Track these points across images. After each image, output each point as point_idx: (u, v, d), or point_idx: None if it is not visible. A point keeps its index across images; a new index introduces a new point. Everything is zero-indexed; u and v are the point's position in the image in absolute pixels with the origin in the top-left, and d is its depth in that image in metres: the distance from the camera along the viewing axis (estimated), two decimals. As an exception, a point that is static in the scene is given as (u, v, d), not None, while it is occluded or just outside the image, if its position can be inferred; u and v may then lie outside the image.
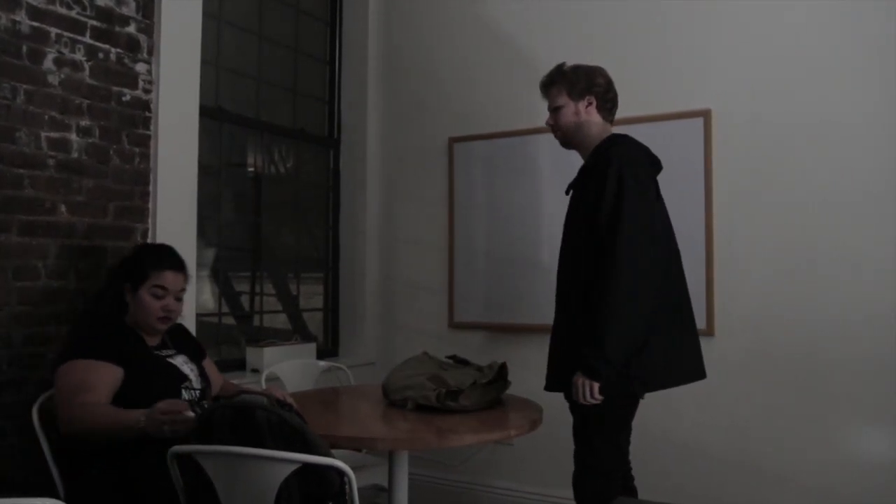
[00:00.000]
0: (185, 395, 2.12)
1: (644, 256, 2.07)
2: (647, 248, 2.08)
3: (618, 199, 2.08)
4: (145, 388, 2.03)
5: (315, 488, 1.70)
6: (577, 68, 2.34)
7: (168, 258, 2.21)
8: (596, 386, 2.07)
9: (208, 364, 2.38)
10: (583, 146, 2.34)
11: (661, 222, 2.20)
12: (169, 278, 2.16)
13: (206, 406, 1.96)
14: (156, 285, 2.13)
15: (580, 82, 2.31)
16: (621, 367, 2.08)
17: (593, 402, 2.08)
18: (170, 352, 2.22)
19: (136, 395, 1.99)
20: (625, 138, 2.27)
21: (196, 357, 2.31)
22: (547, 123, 2.40)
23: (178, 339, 2.31)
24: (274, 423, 1.71)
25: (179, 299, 2.21)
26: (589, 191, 2.20)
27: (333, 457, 1.65)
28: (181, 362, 2.20)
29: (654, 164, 2.26)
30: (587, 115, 2.30)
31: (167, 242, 2.73)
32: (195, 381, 2.19)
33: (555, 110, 2.35)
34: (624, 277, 2.04)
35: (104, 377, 1.98)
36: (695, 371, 2.25)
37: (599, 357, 2.04)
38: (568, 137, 2.35)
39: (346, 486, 1.63)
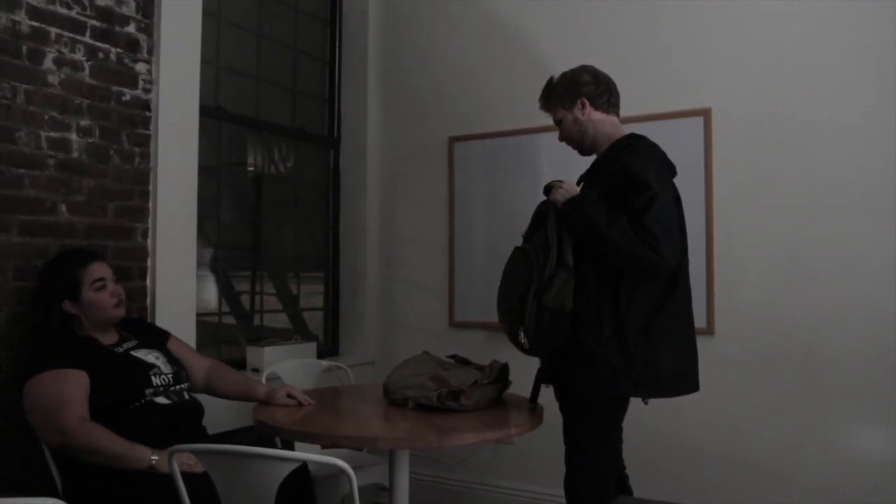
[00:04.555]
0: (155, 380, 2.14)
1: (665, 247, 2.02)
2: (668, 241, 2.04)
3: (645, 195, 2.04)
4: (112, 386, 2.05)
5: None
6: (563, 76, 2.34)
7: (82, 254, 2.24)
8: (559, 197, 2.18)
9: (176, 346, 2.38)
10: (596, 145, 2.33)
11: (679, 224, 2.18)
12: (98, 269, 2.19)
13: (183, 390, 2.07)
14: (93, 281, 2.16)
15: (568, 90, 2.30)
16: (627, 366, 2.07)
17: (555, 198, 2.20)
18: (131, 344, 2.24)
19: (104, 397, 2.02)
20: (644, 139, 2.26)
21: (159, 343, 2.32)
22: (559, 139, 2.41)
23: (136, 330, 2.33)
24: None
25: (117, 283, 2.25)
26: (603, 184, 2.19)
27: None
28: (144, 353, 2.21)
29: (671, 169, 2.23)
30: (587, 116, 2.29)
31: (167, 242, 2.73)
32: (164, 367, 2.21)
33: (557, 125, 2.37)
34: (638, 247, 2.01)
35: (75, 385, 1.99)
36: (694, 383, 2.24)
37: (579, 206, 2.11)
38: (581, 145, 2.35)
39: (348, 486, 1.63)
